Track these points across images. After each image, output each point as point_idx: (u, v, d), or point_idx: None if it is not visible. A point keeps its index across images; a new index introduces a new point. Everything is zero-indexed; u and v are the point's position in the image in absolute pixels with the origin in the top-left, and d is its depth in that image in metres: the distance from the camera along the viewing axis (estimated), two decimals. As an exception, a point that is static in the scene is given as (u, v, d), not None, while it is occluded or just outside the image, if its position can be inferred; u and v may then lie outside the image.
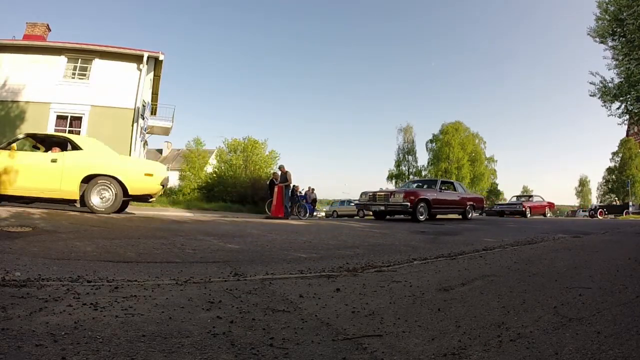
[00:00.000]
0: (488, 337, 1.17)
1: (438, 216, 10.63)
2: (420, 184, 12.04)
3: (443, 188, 10.60)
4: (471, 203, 11.01)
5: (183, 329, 1.19)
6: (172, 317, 1.31)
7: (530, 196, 19.32)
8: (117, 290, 1.68)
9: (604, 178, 42.61)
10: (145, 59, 13.36)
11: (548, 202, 18.76)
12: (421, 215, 8.97)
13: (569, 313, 1.43)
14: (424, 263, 2.74)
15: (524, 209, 16.26)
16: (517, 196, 21.96)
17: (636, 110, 8.18)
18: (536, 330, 1.23)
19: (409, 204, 8.77)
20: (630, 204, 25.54)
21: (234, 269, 2.40)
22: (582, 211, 31.05)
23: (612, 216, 23.04)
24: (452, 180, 12.41)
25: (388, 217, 10.68)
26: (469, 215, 10.81)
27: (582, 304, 1.56)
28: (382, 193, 9.83)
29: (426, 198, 9.28)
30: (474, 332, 1.22)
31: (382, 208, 9.39)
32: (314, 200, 18.21)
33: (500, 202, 25.04)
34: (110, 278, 1.95)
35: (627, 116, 8.83)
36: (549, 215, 18.42)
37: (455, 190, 11.04)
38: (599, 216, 22.56)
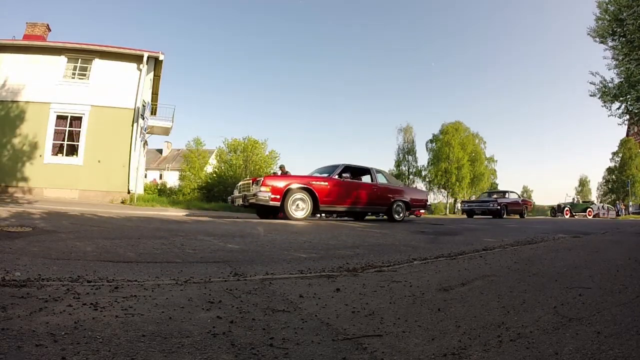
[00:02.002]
0: (488, 337, 1.17)
1: (339, 216, 8.84)
2: (320, 171, 8.80)
3: (346, 176, 7.80)
4: (401, 199, 8.61)
5: (183, 329, 1.19)
6: (172, 317, 1.31)
7: (505, 192, 16.45)
8: (117, 290, 1.68)
9: (604, 178, 42.67)
10: (145, 59, 13.37)
11: (524, 200, 16.73)
12: (298, 212, 6.81)
13: (569, 313, 1.43)
14: (424, 263, 2.73)
15: (498, 207, 13.67)
16: (489, 192, 19.25)
17: (636, 111, 8.17)
18: (536, 330, 1.23)
19: (269, 194, 6.59)
20: (610, 204, 25.22)
21: (234, 269, 2.40)
22: (582, 211, 30.98)
23: (577, 215, 22.34)
24: (367, 167, 8.59)
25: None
26: (398, 216, 8.52)
27: (582, 304, 1.56)
28: (245, 182, 7.58)
29: (306, 187, 6.92)
30: (474, 332, 1.22)
31: (241, 202, 7.14)
32: None
33: (468, 200, 20.99)
34: (110, 278, 1.95)
35: (627, 116, 8.83)
36: (526, 215, 16.17)
37: (374, 181, 8.36)
38: (565, 215, 22.11)
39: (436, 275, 2.24)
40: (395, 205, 8.47)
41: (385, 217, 9.30)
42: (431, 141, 40.24)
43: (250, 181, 7.21)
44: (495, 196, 16.08)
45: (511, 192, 16.49)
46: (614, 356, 1.02)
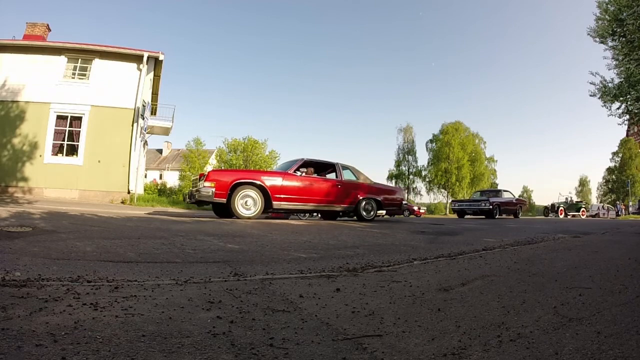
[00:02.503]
0: (488, 337, 1.17)
1: (294, 214, 8.29)
2: (281, 167, 8.41)
3: (304, 171, 7.31)
4: (371, 197, 7.85)
5: (183, 329, 1.19)
6: (172, 317, 1.31)
7: (498, 191, 15.79)
8: (117, 290, 1.68)
9: (604, 178, 42.71)
10: (145, 59, 13.38)
11: (518, 199, 15.95)
12: (247, 210, 6.32)
13: (569, 313, 1.43)
14: (424, 263, 2.74)
15: (490, 207, 12.77)
16: (482, 191, 18.35)
17: (636, 111, 8.17)
18: (536, 330, 1.23)
19: (212, 189, 6.12)
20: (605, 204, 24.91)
21: (234, 269, 2.40)
22: None
23: (571, 215, 22.16)
24: (332, 162, 7.92)
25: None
26: (367, 215, 7.76)
27: (582, 304, 1.56)
28: (195, 177, 7.35)
29: (256, 182, 6.40)
30: (474, 332, 1.22)
31: (188, 198, 6.99)
32: None
33: (459, 199, 20.22)
34: (110, 278, 1.95)
35: (627, 116, 8.83)
36: (520, 215, 15.37)
37: (338, 177, 7.69)
38: (559, 215, 21.88)
39: (436, 275, 2.24)
40: (364, 204, 7.74)
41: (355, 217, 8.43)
42: (431, 141, 40.29)
43: (199, 176, 6.84)
44: (487, 195, 15.26)
45: (505, 191, 15.92)
46: (614, 356, 1.02)
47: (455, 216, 12.92)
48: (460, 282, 2.04)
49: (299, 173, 7.20)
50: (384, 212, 9.57)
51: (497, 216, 12.84)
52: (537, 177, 75.09)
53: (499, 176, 41.26)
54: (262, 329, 1.22)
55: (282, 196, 6.72)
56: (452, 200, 18.01)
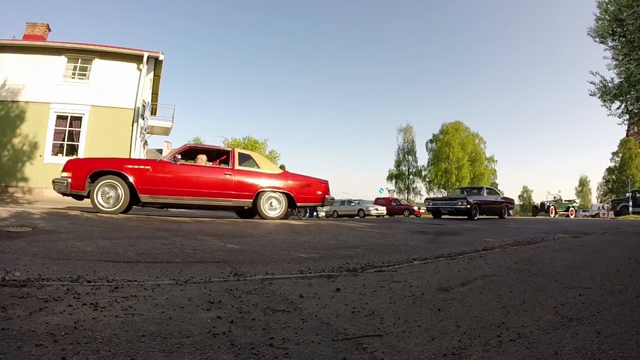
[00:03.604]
0: (488, 337, 1.17)
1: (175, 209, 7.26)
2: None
3: (179, 158, 6.26)
4: (276, 189, 6.54)
5: (183, 329, 1.19)
6: (172, 317, 1.31)
7: (480, 189, 13.88)
8: (117, 290, 1.68)
9: (604, 178, 42.72)
10: (145, 59, 13.37)
11: (506, 198, 14.29)
12: (107, 203, 5.49)
13: (569, 313, 1.43)
14: (424, 263, 2.74)
15: (467, 206, 11.19)
16: (462, 188, 16.80)
17: (636, 110, 8.18)
18: (536, 330, 1.23)
19: (68, 180, 5.43)
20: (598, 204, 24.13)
21: (234, 269, 2.40)
22: (582, 211, 30.85)
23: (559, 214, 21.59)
24: (227, 148, 6.93)
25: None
26: (272, 212, 6.50)
27: (582, 304, 1.56)
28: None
29: (118, 172, 5.57)
30: (474, 332, 1.22)
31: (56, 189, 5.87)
32: None
33: (434, 197, 16.81)
34: (110, 278, 1.95)
35: (627, 116, 8.84)
36: (507, 216, 13.74)
37: (231, 165, 6.39)
38: (550, 214, 21.22)
39: (436, 275, 2.24)
40: (265, 197, 6.45)
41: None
42: (431, 141, 40.31)
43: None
44: (468, 193, 13.60)
45: (489, 188, 14.38)
46: (614, 356, 1.02)
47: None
48: (460, 282, 2.04)
49: (178, 161, 6.22)
50: (306, 209, 8.11)
51: (476, 217, 11.29)
52: (537, 177, 74.94)
53: (499, 176, 41.33)
54: (262, 329, 1.22)
55: (150, 187, 5.74)
56: (427, 199, 14.98)
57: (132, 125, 13.23)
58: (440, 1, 69.60)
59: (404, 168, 40.75)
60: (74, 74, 13.45)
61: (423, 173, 40.36)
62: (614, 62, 8.05)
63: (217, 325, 1.24)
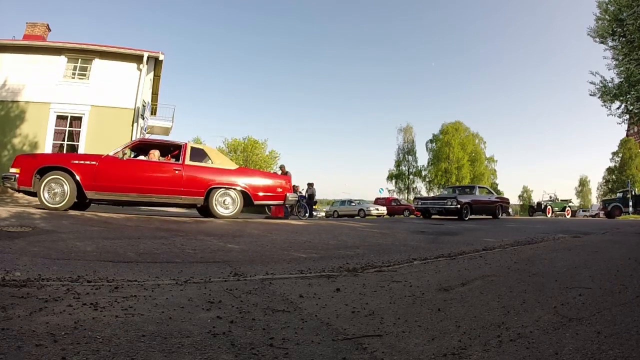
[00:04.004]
0: (488, 337, 1.17)
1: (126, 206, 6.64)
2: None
3: (126, 153, 6.09)
4: (230, 185, 6.16)
5: (183, 329, 1.19)
6: (172, 317, 1.31)
7: (472, 188, 13.16)
8: (117, 290, 1.68)
9: (604, 178, 42.71)
10: (145, 59, 13.37)
11: (502, 198, 13.59)
12: (53, 199, 5.37)
13: (569, 313, 1.43)
14: (424, 263, 2.74)
15: (457, 206, 10.56)
16: (454, 187, 15.95)
17: (636, 110, 8.18)
18: (536, 330, 1.23)
19: (16, 176, 5.38)
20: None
21: (234, 269, 2.40)
22: (582, 211, 30.81)
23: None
24: (180, 142, 6.61)
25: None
26: (224, 209, 6.13)
27: (582, 304, 1.56)
28: None
29: (64, 168, 5.45)
30: (474, 332, 1.22)
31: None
32: (311, 197, 14.35)
33: (424, 196, 15.13)
34: (110, 278, 1.95)
35: (627, 116, 8.84)
36: (502, 215, 12.93)
37: (182, 160, 6.10)
38: (547, 214, 21.19)
39: (436, 275, 2.24)
40: (218, 195, 6.08)
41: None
42: (431, 141, 40.29)
43: None
44: (459, 192, 12.90)
45: (481, 187, 13.71)
46: (614, 356, 1.02)
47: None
48: (460, 282, 2.04)
49: (125, 156, 6.02)
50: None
51: (467, 217, 10.75)
52: (537, 177, 74.84)
53: (498, 176, 41.32)
54: (262, 329, 1.22)
55: (96, 184, 5.57)
56: (415, 198, 13.86)
57: (132, 125, 13.23)
58: (440, 1, 69.63)
59: (404, 168, 40.74)
60: (74, 74, 13.45)
61: (423, 173, 40.35)
62: (614, 62, 8.05)
63: (217, 325, 1.24)
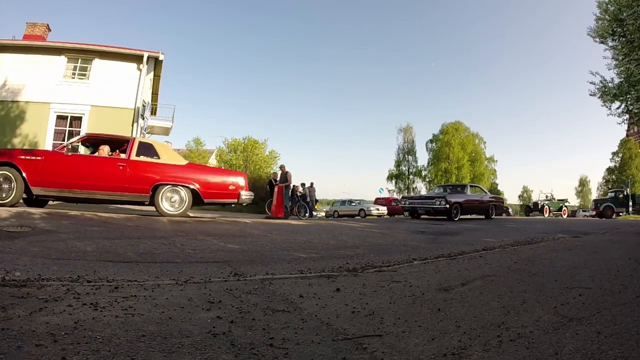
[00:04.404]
0: (488, 337, 1.17)
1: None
2: None
3: (73, 147, 6.04)
4: (178, 182, 5.93)
5: (183, 329, 1.19)
6: (172, 317, 1.31)
7: (463, 187, 12.47)
8: (117, 290, 1.68)
9: (604, 178, 42.68)
10: (145, 59, 13.37)
11: (496, 197, 12.91)
12: (0, 197, 5.33)
13: (569, 313, 1.43)
14: (424, 263, 2.74)
15: (445, 206, 9.91)
16: (444, 186, 14.90)
17: (636, 110, 8.18)
18: (536, 330, 1.23)
19: None
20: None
21: (234, 269, 2.40)
22: (582, 211, 30.76)
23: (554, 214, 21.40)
24: (129, 137, 6.71)
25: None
26: (171, 207, 5.90)
27: (582, 304, 1.56)
28: None
29: (9, 162, 5.43)
30: (474, 332, 1.22)
31: None
32: (303, 197, 13.87)
33: (411, 195, 13.23)
34: (110, 278, 1.95)
35: (627, 116, 8.84)
36: (495, 215, 12.26)
37: (127, 155, 5.95)
38: (544, 214, 20.98)
39: (436, 275, 2.24)
40: (164, 192, 5.88)
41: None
42: (431, 141, 40.26)
43: None
44: (450, 191, 12.15)
45: (473, 186, 13.05)
46: (614, 356, 1.02)
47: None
48: (460, 282, 2.04)
49: (70, 152, 5.94)
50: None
51: (457, 218, 10.11)
52: (537, 177, 74.81)
53: (499, 176, 41.30)
54: (262, 329, 1.22)
55: (42, 179, 5.48)
56: (403, 197, 12.15)
57: (132, 125, 13.23)
58: (440, 1, 69.62)
59: (404, 168, 40.71)
60: (74, 74, 13.45)
61: (423, 173, 40.32)
62: (614, 62, 8.05)
63: (217, 325, 1.24)
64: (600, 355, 1.03)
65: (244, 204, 6.49)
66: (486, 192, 13.21)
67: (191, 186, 5.99)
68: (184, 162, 6.42)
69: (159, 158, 6.18)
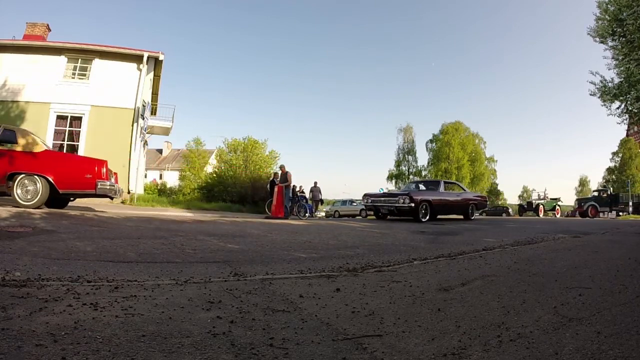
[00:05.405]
0: (488, 337, 1.17)
1: None
2: None
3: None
4: (29, 173, 5.57)
5: (183, 329, 1.19)
6: (172, 317, 1.31)
7: (437, 183, 10.86)
8: (117, 290, 1.68)
9: (604, 178, 42.65)
10: (145, 59, 13.37)
11: (478, 196, 11.65)
12: None
13: (569, 313, 1.43)
14: (424, 263, 2.74)
15: (410, 205, 8.47)
16: (416, 182, 13.46)
17: (636, 110, 8.18)
18: (536, 330, 1.23)
19: None
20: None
21: (234, 269, 2.40)
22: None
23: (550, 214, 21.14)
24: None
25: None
26: (23, 201, 5.48)
27: (582, 304, 1.56)
28: None
29: None
30: (474, 332, 1.22)
31: None
32: (301, 195, 13.55)
33: (373, 193, 11.85)
34: (110, 278, 1.95)
35: (627, 116, 8.84)
36: (476, 215, 11.13)
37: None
38: (539, 214, 20.77)
39: (436, 275, 2.24)
40: (19, 181, 5.50)
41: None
42: (431, 141, 40.27)
43: None
44: (414, 188, 11.01)
45: (450, 183, 11.91)
46: (614, 356, 1.02)
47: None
48: (460, 282, 2.03)
49: None
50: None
51: (425, 218, 8.74)
52: (537, 177, 74.77)
53: (499, 176, 41.31)
54: (262, 329, 1.22)
55: None
56: (365, 194, 10.81)
57: (132, 125, 13.22)
58: (440, 1, 69.65)
59: (404, 168, 40.71)
60: (74, 74, 13.45)
61: (423, 173, 40.31)
62: (614, 62, 8.05)
63: (217, 325, 1.24)
64: (600, 355, 1.03)
65: (112, 197, 5.90)
66: (465, 190, 12.17)
67: (45, 176, 5.59)
68: (41, 149, 5.97)
69: (16, 144, 5.75)
